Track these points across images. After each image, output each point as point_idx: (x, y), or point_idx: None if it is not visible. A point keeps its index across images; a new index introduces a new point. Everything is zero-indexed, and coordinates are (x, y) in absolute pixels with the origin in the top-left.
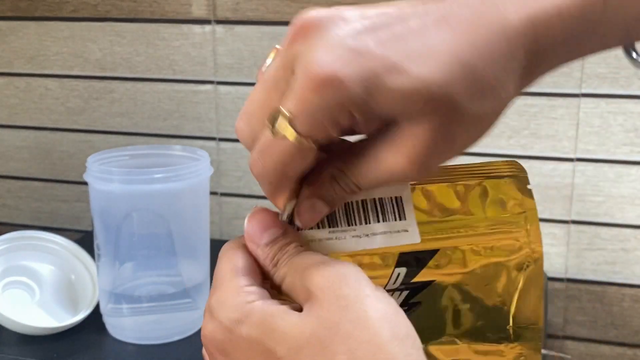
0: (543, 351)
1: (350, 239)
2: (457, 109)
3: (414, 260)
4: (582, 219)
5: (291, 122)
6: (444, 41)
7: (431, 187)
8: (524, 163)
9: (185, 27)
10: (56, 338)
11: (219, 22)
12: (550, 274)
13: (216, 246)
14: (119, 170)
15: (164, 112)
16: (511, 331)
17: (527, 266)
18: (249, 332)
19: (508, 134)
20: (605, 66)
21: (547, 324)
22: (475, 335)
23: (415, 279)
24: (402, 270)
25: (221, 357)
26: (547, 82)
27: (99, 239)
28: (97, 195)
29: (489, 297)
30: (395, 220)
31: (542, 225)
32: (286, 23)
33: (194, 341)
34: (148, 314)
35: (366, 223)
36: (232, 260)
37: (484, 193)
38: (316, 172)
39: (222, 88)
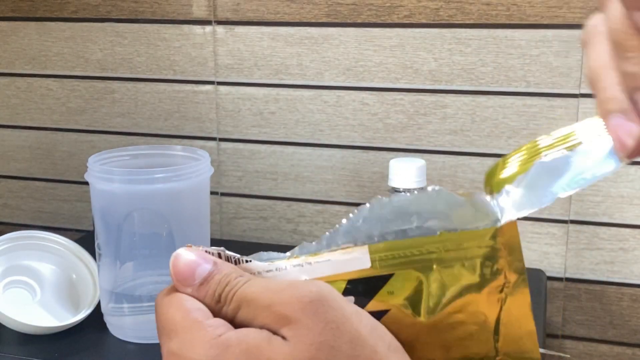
0: (542, 350)
1: (292, 268)
2: None
3: (363, 287)
4: (580, 219)
5: None
6: None
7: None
8: None
9: (185, 28)
10: (57, 337)
11: (219, 22)
12: (549, 274)
13: (217, 246)
14: (120, 170)
15: (165, 112)
16: None
17: (506, 286)
18: None
19: (507, 134)
20: None
21: (546, 324)
22: None
23: (367, 308)
24: (350, 299)
25: None
26: (546, 83)
27: (99, 239)
28: (98, 195)
29: (464, 324)
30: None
31: (541, 224)
32: (286, 24)
33: None
34: (149, 313)
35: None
36: (176, 304)
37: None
38: None
39: (222, 88)
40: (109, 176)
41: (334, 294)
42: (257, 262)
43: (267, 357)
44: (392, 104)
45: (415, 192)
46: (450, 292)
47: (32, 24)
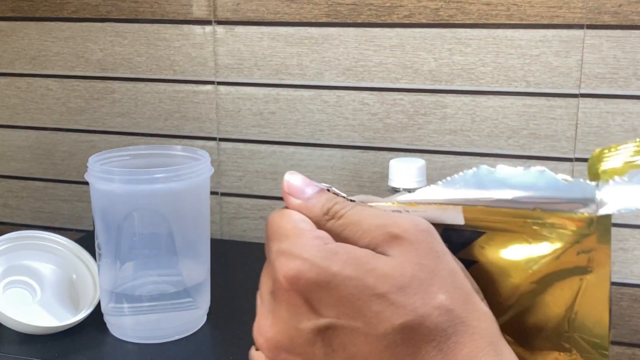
0: None
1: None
2: None
3: (456, 236)
4: None
5: None
6: None
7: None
8: (522, 163)
9: (185, 28)
10: (57, 337)
11: (219, 22)
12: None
13: (216, 246)
14: (120, 170)
15: (165, 112)
16: (569, 339)
17: (588, 271)
18: (342, 269)
19: (507, 134)
20: (604, 66)
21: None
22: (525, 337)
23: (457, 256)
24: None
25: (312, 295)
26: (545, 82)
27: (100, 239)
28: (98, 195)
29: (543, 294)
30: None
31: None
32: (286, 24)
33: (195, 340)
34: (149, 313)
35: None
36: (286, 214)
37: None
38: None
39: (222, 88)
40: (109, 176)
41: (436, 233)
42: (362, 204)
43: (372, 267)
44: (392, 104)
45: (521, 168)
46: (535, 263)
47: (32, 23)
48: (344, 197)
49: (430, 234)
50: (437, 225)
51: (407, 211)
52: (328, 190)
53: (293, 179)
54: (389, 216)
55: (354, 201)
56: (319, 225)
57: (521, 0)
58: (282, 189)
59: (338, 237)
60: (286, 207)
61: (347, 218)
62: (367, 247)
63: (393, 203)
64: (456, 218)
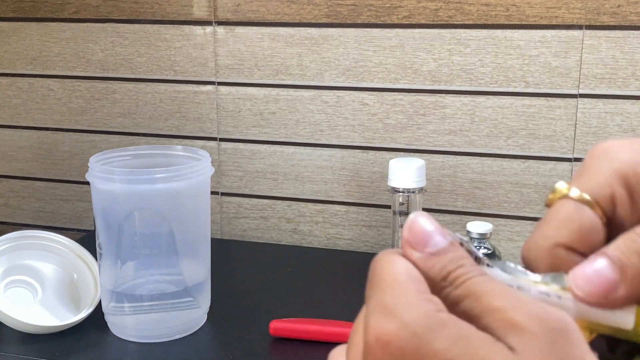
0: None
1: (536, 294)
2: None
3: (608, 344)
4: None
5: (571, 186)
6: None
7: None
8: (522, 163)
9: (186, 28)
10: (58, 336)
11: (219, 23)
12: None
13: (217, 245)
14: (121, 170)
15: (165, 112)
16: None
17: None
18: (446, 348)
19: (506, 134)
20: (603, 67)
21: None
22: None
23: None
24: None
25: None
26: (545, 83)
27: (100, 238)
28: (99, 195)
29: None
30: None
31: None
32: (286, 24)
33: (195, 340)
34: (149, 312)
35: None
36: (399, 264)
37: None
38: None
39: (222, 89)
40: (110, 176)
41: (579, 334)
42: (498, 271)
43: (484, 356)
44: (392, 104)
45: None
46: None
47: (34, 24)
48: (478, 258)
49: (563, 334)
50: (588, 325)
51: (559, 297)
52: (462, 244)
53: (421, 222)
54: (516, 298)
55: (490, 266)
56: (433, 289)
57: (520, 1)
58: (403, 231)
59: (453, 310)
60: (400, 254)
61: (466, 288)
62: (484, 329)
63: (546, 283)
64: (623, 319)
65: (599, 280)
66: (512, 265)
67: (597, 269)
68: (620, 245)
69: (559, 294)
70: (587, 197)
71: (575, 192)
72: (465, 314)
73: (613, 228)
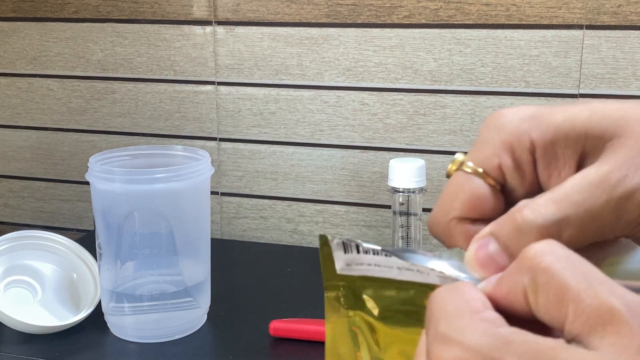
0: None
1: (435, 277)
2: None
3: None
4: None
5: (460, 163)
6: None
7: None
8: None
9: (186, 28)
10: (58, 337)
11: (219, 23)
12: None
13: (217, 245)
14: (121, 170)
15: (165, 112)
16: None
17: None
18: None
19: None
20: (603, 66)
21: None
22: None
23: None
24: None
25: None
26: (545, 83)
27: (100, 239)
28: (99, 195)
29: None
30: None
31: None
32: (286, 24)
33: (195, 340)
34: (149, 312)
35: None
36: (456, 291)
37: None
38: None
39: (222, 88)
40: (110, 176)
41: None
42: (396, 259)
43: None
44: (392, 104)
45: None
46: None
47: (33, 24)
48: (376, 250)
49: None
50: None
51: (457, 278)
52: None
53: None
54: (610, 284)
55: (388, 255)
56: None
57: (520, 1)
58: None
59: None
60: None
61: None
62: (565, 331)
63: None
64: None
65: (490, 264)
66: (415, 250)
67: (488, 253)
68: (503, 225)
69: (456, 274)
70: (478, 169)
71: (468, 165)
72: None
73: (510, 194)
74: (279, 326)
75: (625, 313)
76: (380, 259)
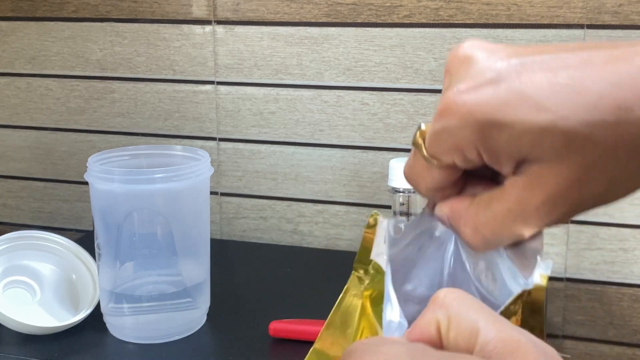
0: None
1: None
2: (605, 154)
3: None
4: (581, 219)
5: (424, 139)
6: (593, 80)
7: None
8: None
9: (185, 28)
10: (57, 337)
11: (219, 22)
12: (550, 274)
13: (216, 246)
14: (120, 170)
15: (165, 112)
16: None
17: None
18: None
19: None
20: None
21: (547, 324)
22: None
23: None
24: None
25: None
26: None
27: (99, 239)
28: (98, 195)
29: None
30: None
31: None
32: (286, 23)
33: (195, 341)
34: (148, 313)
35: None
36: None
37: None
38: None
39: (222, 88)
40: (109, 176)
41: None
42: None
43: None
44: (392, 104)
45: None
46: None
47: (32, 23)
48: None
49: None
50: None
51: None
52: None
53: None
54: (510, 324)
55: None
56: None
57: (521, 0)
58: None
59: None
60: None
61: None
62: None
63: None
64: None
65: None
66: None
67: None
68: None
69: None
70: (433, 161)
71: (426, 153)
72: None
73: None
74: (279, 327)
75: (530, 344)
76: (388, 270)
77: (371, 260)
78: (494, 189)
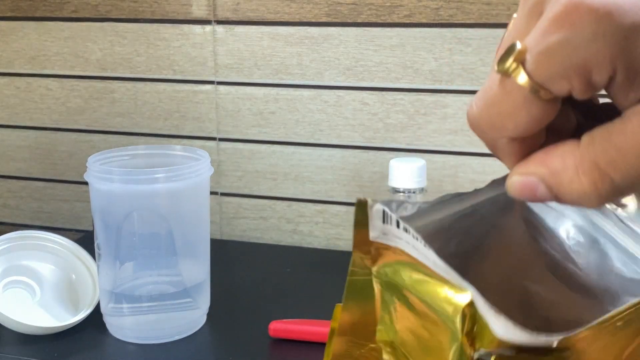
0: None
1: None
2: None
3: None
4: None
5: (523, 62)
6: None
7: None
8: None
9: (185, 28)
10: (57, 338)
11: (219, 22)
12: None
13: (216, 246)
14: (120, 170)
15: (165, 112)
16: None
17: None
18: None
19: None
20: None
21: None
22: None
23: None
24: None
25: None
26: None
27: (99, 239)
28: (98, 195)
29: None
30: None
31: None
32: (286, 23)
33: (195, 341)
34: (148, 313)
35: None
36: None
37: None
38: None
39: (222, 88)
40: (109, 176)
41: None
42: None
43: None
44: (392, 104)
45: None
46: None
47: (32, 23)
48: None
49: None
50: None
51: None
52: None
53: None
54: None
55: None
56: None
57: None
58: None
59: None
60: None
61: None
62: None
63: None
64: None
65: (533, 200)
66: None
67: (534, 194)
68: (557, 176)
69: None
70: (539, 90)
71: (527, 80)
72: None
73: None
74: (279, 327)
75: None
76: (419, 245)
77: (372, 242)
78: (607, 123)
